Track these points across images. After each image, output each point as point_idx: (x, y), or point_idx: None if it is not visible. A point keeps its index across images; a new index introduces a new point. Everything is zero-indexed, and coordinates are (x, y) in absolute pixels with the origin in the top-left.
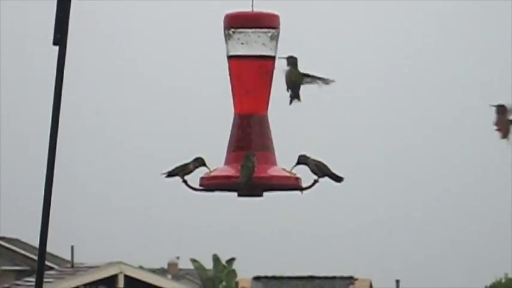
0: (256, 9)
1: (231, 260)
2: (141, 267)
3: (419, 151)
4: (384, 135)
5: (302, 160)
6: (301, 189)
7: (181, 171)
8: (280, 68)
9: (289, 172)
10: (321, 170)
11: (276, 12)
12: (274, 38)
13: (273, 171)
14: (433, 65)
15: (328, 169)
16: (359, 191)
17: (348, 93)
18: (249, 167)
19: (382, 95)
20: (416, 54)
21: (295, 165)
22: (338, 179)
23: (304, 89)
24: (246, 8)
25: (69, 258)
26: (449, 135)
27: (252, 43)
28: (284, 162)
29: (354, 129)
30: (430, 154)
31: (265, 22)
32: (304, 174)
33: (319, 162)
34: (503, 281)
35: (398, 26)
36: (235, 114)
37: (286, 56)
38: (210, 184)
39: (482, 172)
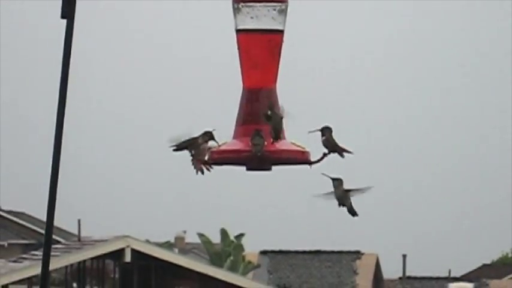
0: None
1: (240, 236)
2: (147, 241)
3: (425, 125)
4: (392, 109)
5: (323, 132)
6: (310, 163)
7: (190, 145)
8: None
9: (298, 146)
10: (330, 145)
11: None
12: (283, 11)
13: (282, 145)
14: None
15: (337, 145)
16: (366, 165)
17: (357, 67)
18: (260, 141)
19: (392, 72)
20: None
21: (314, 130)
22: (345, 154)
23: (307, 62)
24: None
25: (76, 232)
26: (458, 111)
27: (261, 17)
28: (293, 136)
29: (363, 102)
30: (436, 127)
31: None
32: (313, 149)
33: (331, 137)
34: (510, 255)
35: None
36: (243, 88)
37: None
38: (219, 158)
39: (490, 145)
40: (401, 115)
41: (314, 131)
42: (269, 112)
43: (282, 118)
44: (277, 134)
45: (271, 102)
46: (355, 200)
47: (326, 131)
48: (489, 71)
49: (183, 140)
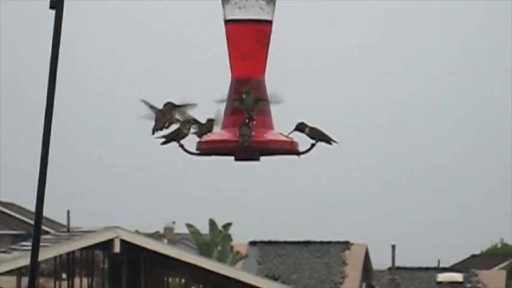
0: None
1: (227, 225)
2: (137, 232)
3: (415, 117)
4: (382, 100)
5: (299, 128)
6: (298, 153)
7: (176, 136)
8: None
9: (286, 136)
10: (316, 134)
11: None
12: (272, 2)
13: (270, 135)
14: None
15: (324, 134)
16: (355, 156)
17: (348, 57)
18: (247, 131)
19: (386, 60)
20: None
21: (291, 131)
22: (333, 142)
23: (304, 58)
24: None
25: (65, 222)
26: (451, 103)
27: (250, 7)
28: (281, 127)
29: (350, 93)
30: (427, 119)
31: None
32: (301, 139)
33: (315, 127)
34: (499, 246)
35: None
36: (232, 78)
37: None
38: (207, 148)
39: (480, 138)
40: (393, 107)
41: (292, 132)
42: (243, 96)
43: (256, 100)
44: (250, 116)
45: (247, 88)
46: None
47: (302, 125)
48: (490, 72)
49: (168, 133)
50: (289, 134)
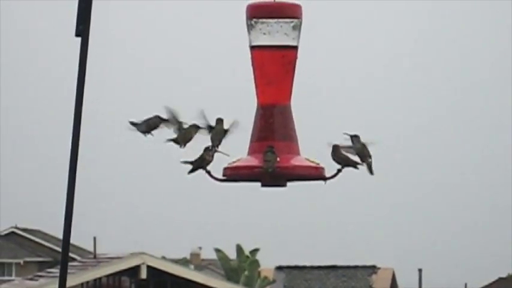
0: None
1: (254, 251)
2: (163, 258)
3: (443, 137)
4: (408, 121)
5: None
6: (325, 179)
7: (200, 163)
8: None
9: (313, 162)
10: (343, 160)
11: (297, 2)
12: (297, 27)
13: (296, 161)
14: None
15: (350, 159)
16: (382, 180)
17: (375, 81)
18: (272, 157)
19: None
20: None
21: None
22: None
23: (325, 77)
24: None
25: (91, 249)
26: (475, 122)
27: (274, 33)
28: (308, 152)
29: (376, 118)
30: (455, 139)
31: (287, 12)
32: (327, 163)
33: (344, 154)
34: None
35: None
36: (258, 104)
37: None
38: (233, 174)
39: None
40: (417, 126)
41: (346, 134)
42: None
43: (223, 130)
44: (213, 144)
45: (218, 117)
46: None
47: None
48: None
49: (193, 161)
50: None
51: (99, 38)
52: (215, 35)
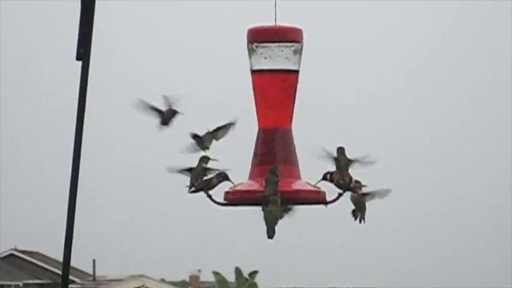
0: (280, 23)
1: (253, 273)
2: (163, 280)
3: (459, 158)
4: (413, 141)
5: (326, 177)
6: (326, 203)
7: (205, 186)
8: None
9: (314, 186)
10: (343, 185)
11: (299, 26)
12: (298, 51)
13: (298, 185)
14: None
15: (350, 185)
16: (384, 202)
17: (377, 99)
18: (273, 181)
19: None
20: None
21: (318, 181)
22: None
23: (330, 99)
24: (269, 22)
25: (90, 271)
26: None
27: (275, 57)
28: (309, 176)
29: (376, 140)
30: (472, 162)
31: (288, 36)
32: (328, 187)
33: (342, 175)
34: None
35: None
36: (259, 128)
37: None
38: (235, 198)
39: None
40: (426, 146)
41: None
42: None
43: (203, 168)
44: (192, 182)
45: (205, 157)
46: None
47: (329, 174)
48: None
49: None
50: (317, 183)
51: (100, 62)
52: (213, 59)
